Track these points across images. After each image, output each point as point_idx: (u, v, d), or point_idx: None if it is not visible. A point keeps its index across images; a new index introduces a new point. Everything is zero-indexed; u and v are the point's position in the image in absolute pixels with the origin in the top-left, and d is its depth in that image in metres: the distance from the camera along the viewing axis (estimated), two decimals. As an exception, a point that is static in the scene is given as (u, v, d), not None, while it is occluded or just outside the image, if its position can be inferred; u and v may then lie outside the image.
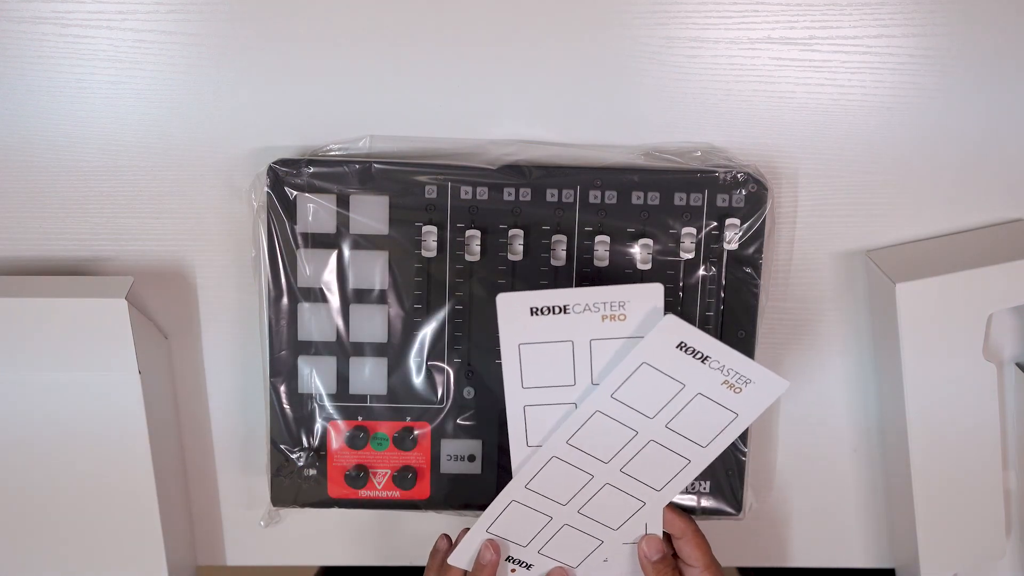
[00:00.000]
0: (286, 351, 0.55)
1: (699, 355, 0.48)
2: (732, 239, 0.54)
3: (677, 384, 0.49)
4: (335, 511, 0.60)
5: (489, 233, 0.54)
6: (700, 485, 0.57)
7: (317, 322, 0.55)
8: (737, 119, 0.55)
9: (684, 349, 0.47)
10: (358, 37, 0.53)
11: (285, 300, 0.54)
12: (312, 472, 0.56)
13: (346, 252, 0.54)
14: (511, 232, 0.54)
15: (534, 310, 0.48)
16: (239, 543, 0.62)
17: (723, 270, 0.54)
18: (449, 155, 0.54)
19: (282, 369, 0.55)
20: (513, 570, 0.54)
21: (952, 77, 0.54)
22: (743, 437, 0.56)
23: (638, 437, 0.50)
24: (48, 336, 0.52)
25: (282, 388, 0.55)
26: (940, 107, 0.54)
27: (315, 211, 0.53)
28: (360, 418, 0.56)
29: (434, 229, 0.54)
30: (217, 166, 0.55)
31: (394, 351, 0.55)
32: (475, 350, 0.55)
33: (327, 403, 0.56)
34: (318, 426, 0.56)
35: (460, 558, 0.53)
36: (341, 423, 0.56)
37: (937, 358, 0.54)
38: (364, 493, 0.57)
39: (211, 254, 0.57)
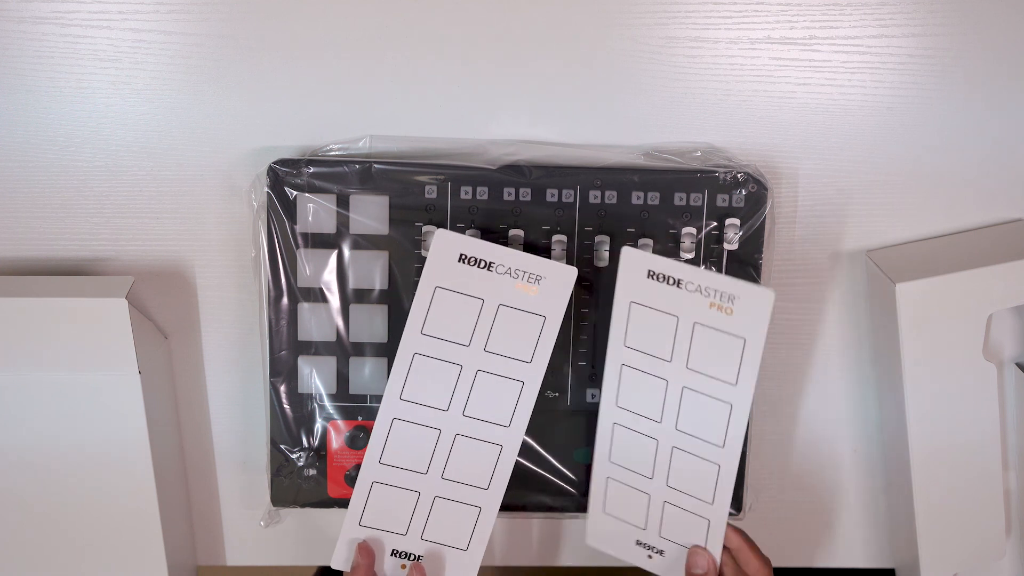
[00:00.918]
0: (286, 351, 0.55)
1: (672, 280, 0.49)
2: (732, 239, 0.54)
3: (671, 318, 0.49)
4: (335, 511, 0.60)
5: (489, 233, 0.54)
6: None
7: (317, 322, 0.55)
8: (737, 119, 0.55)
9: (654, 276, 0.49)
10: (358, 38, 0.53)
11: (285, 300, 0.54)
12: (312, 472, 0.56)
13: (346, 252, 0.54)
14: (511, 232, 0.54)
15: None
16: (239, 543, 0.62)
17: (723, 270, 0.54)
18: (449, 155, 0.54)
19: (282, 369, 0.55)
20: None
21: (952, 77, 0.54)
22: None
23: (671, 386, 0.51)
24: (48, 336, 0.52)
25: (282, 388, 0.55)
26: (940, 107, 0.54)
27: (315, 211, 0.53)
28: (360, 418, 0.56)
29: (434, 229, 0.54)
30: (217, 166, 0.55)
31: (394, 351, 0.55)
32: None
33: (327, 403, 0.56)
34: (318, 426, 0.56)
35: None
36: (341, 423, 0.56)
37: (937, 358, 0.54)
38: (364, 493, 0.57)
39: (211, 254, 0.57)
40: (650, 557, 0.54)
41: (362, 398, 0.56)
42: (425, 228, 0.54)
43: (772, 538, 0.63)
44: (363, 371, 0.55)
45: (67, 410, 0.53)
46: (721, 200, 0.54)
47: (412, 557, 0.52)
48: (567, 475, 0.56)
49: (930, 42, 0.53)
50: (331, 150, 0.54)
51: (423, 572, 0.51)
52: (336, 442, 0.56)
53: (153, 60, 0.53)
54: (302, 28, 0.52)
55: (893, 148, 0.55)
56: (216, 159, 0.55)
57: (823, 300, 0.58)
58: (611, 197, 0.54)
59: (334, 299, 0.54)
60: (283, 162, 0.53)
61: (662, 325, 0.50)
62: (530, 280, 0.50)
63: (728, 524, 0.52)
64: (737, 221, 0.54)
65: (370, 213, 0.54)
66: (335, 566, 0.52)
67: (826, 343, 0.59)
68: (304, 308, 0.55)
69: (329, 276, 0.54)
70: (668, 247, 0.54)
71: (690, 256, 0.54)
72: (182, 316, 0.58)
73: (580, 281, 0.54)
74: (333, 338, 0.55)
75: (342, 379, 0.55)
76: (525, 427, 0.52)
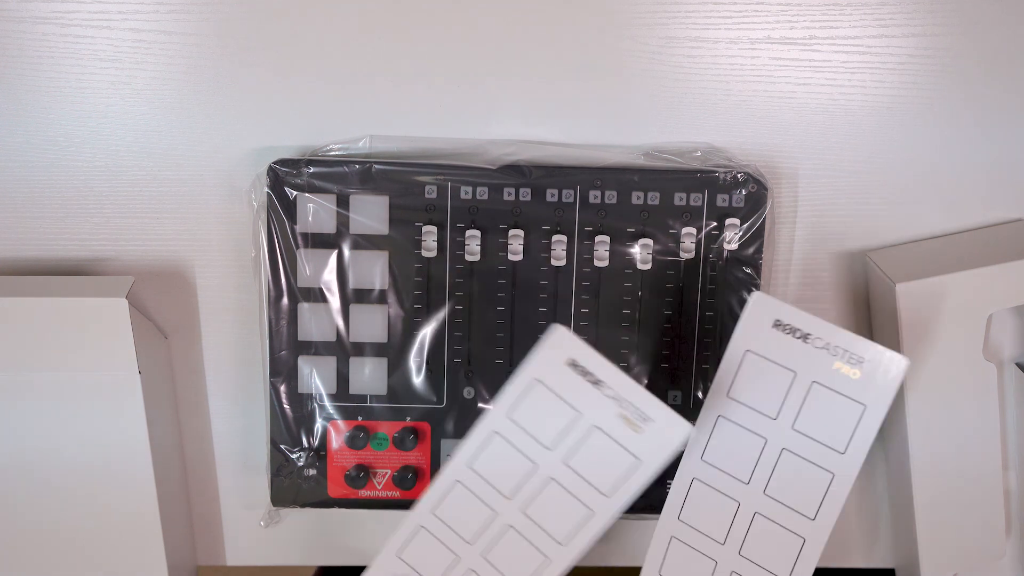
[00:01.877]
0: (286, 351, 0.55)
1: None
2: (732, 239, 0.54)
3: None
4: (335, 511, 0.60)
5: (489, 233, 0.54)
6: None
7: (317, 322, 0.55)
8: (737, 119, 0.55)
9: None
10: (358, 37, 0.53)
11: (285, 300, 0.54)
12: (312, 472, 0.56)
13: (346, 252, 0.54)
14: (511, 232, 0.54)
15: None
16: (239, 543, 0.62)
17: (723, 270, 0.54)
18: (449, 155, 0.54)
19: (282, 369, 0.55)
20: None
21: (952, 77, 0.54)
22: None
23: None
24: (48, 336, 0.52)
25: (282, 388, 0.55)
26: (940, 107, 0.54)
27: (315, 211, 0.53)
28: (360, 418, 0.56)
29: (434, 229, 0.54)
30: (217, 166, 0.55)
31: (394, 351, 0.55)
32: (475, 350, 0.55)
33: (327, 403, 0.56)
34: (318, 426, 0.56)
35: None
36: (341, 423, 0.56)
37: (937, 358, 0.54)
38: (364, 493, 0.57)
39: (211, 254, 0.57)
40: None
41: (362, 398, 0.56)
42: (426, 228, 0.54)
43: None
44: (363, 371, 0.55)
45: (67, 410, 0.53)
46: (721, 200, 0.54)
47: None
48: (567, 475, 0.56)
49: (930, 42, 0.53)
50: (331, 150, 0.54)
51: None
52: (336, 442, 0.56)
53: (153, 60, 0.53)
54: (302, 28, 0.52)
55: (893, 148, 0.55)
56: (216, 159, 0.55)
57: (823, 300, 0.58)
58: (611, 197, 0.54)
59: (334, 299, 0.54)
60: (283, 162, 0.53)
61: (776, 379, 0.47)
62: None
63: None
64: (737, 221, 0.54)
65: (370, 213, 0.54)
66: None
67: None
68: (304, 308, 0.55)
69: (329, 276, 0.54)
70: (668, 247, 0.54)
71: (690, 256, 0.54)
72: (182, 316, 0.58)
73: (580, 281, 0.55)
74: (333, 338, 0.55)
75: (342, 379, 0.55)
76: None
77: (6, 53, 0.52)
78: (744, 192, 0.53)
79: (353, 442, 0.56)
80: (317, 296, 0.54)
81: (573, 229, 0.54)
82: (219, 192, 0.55)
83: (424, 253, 0.54)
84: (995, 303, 0.54)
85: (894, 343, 0.54)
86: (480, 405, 0.56)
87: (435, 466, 0.56)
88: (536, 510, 0.48)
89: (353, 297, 0.55)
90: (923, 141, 0.55)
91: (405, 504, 0.57)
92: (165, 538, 0.56)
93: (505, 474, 0.48)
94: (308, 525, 0.61)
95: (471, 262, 0.54)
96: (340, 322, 0.55)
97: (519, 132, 0.55)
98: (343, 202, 0.53)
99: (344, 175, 0.53)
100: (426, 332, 0.55)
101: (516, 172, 0.53)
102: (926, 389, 0.55)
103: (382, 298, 0.55)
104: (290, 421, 0.56)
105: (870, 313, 0.58)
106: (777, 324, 0.46)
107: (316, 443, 0.56)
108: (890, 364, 0.45)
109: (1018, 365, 0.59)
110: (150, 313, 0.57)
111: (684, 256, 0.54)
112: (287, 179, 0.53)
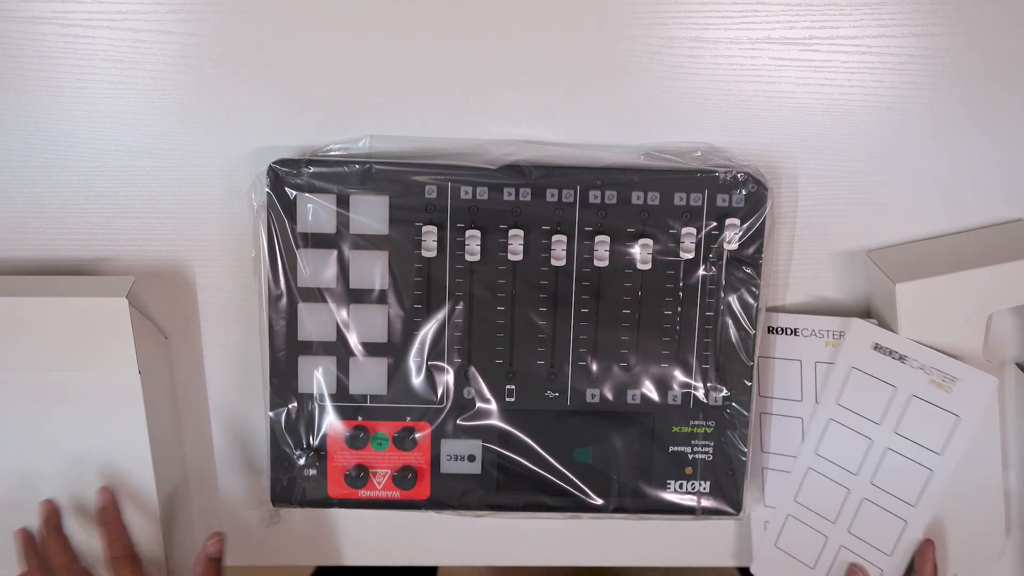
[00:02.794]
0: (286, 351, 0.55)
1: (896, 355, 0.53)
2: (732, 239, 0.54)
3: (888, 387, 0.53)
4: (335, 511, 0.60)
5: (489, 233, 0.54)
6: (700, 485, 0.57)
7: (317, 322, 0.55)
8: (737, 119, 0.55)
9: (880, 350, 0.53)
10: (358, 37, 0.53)
11: (285, 300, 0.54)
12: (312, 472, 0.56)
13: (346, 252, 0.54)
14: (511, 232, 0.54)
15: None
16: (239, 543, 0.62)
17: (723, 270, 0.54)
18: (449, 155, 0.54)
19: (282, 369, 0.55)
20: None
21: (952, 77, 0.54)
22: (743, 438, 0.56)
23: (875, 445, 0.55)
24: (48, 336, 0.52)
25: (282, 388, 0.55)
26: (940, 107, 0.54)
27: (315, 211, 0.53)
28: (360, 418, 0.56)
29: (434, 229, 0.54)
30: (217, 166, 0.55)
31: (394, 351, 0.55)
32: (475, 350, 0.55)
33: (327, 403, 0.56)
34: (318, 426, 0.56)
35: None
36: (341, 423, 0.56)
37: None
38: (364, 493, 0.57)
39: (211, 254, 0.56)
40: None
41: (362, 398, 0.56)
42: (426, 228, 0.53)
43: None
44: (363, 371, 0.55)
45: (67, 410, 0.53)
46: (721, 200, 0.54)
47: None
48: (567, 475, 0.56)
49: (930, 42, 0.53)
50: (331, 150, 0.54)
51: None
52: (336, 442, 0.56)
53: (153, 60, 0.53)
54: (302, 28, 0.52)
55: (893, 148, 0.55)
56: (216, 159, 0.55)
57: (823, 300, 0.58)
58: (611, 197, 0.54)
59: (334, 299, 0.54)
60: (283, 162, 0.53)
61: (879, 392, 0.54)
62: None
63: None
64: (737, 221, 0.54)
65: (370, 213, 0.54)
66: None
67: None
68: (304, 308, 0.55)
69: (329, 276, 0.54)
70: (668, 247, 0.54)
71: (690, 256, 0.54)
72: (182, 316, 0.58)
73: (580, 281, 0.55)
74: (333, 338, 0.55)
75: (342, 379, 0.55)
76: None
77: (6, 53, 0.52)
78: (744, 192, 0.53)
79: (353, 442, 0.56)
80: (317, 296, 0.54)
81: (573, 229, 0.54)
82: (219, 192, 0.55)
83: (424, 253, 0.54)
84: (995, 303, 0.54)
85: (894, 343, 0.54)
86: (480, 405, 0.56)
87: (435, 466, 0.57)
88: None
89: (353, 297, 0.55)
90: (923, 141, 0.55)
91: (405, 504, 0.57)
92: (165, 538, 0.56)
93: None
94: (308, 525, 0.61)
95: (471, 262, 0.54)
96: (340, 322, 0.55)
97: (519, 132, 0.55)
98: (343, 202, 0.53)
99: (344, 175, 0.53)
100: (426, 332, 0.55)
101: (516, 172, 0.53)
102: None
103: (382, 298, 0.55)
104: (290, 421, 0.56)
105: (870, 313, 0.58)
106: (877, 347, 0.54)
107: (316, 443, 0.56)
108: (981, 383, 0.52)
109: (1018, 365, 0.59)
110: (150, 313, 0.57)
111: (684, 256, 0.54)
112: (287, 179, 0.53)
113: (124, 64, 0.53)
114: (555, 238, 0.54)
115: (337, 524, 0.61)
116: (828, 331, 0.56)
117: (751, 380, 0.56)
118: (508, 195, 0.53)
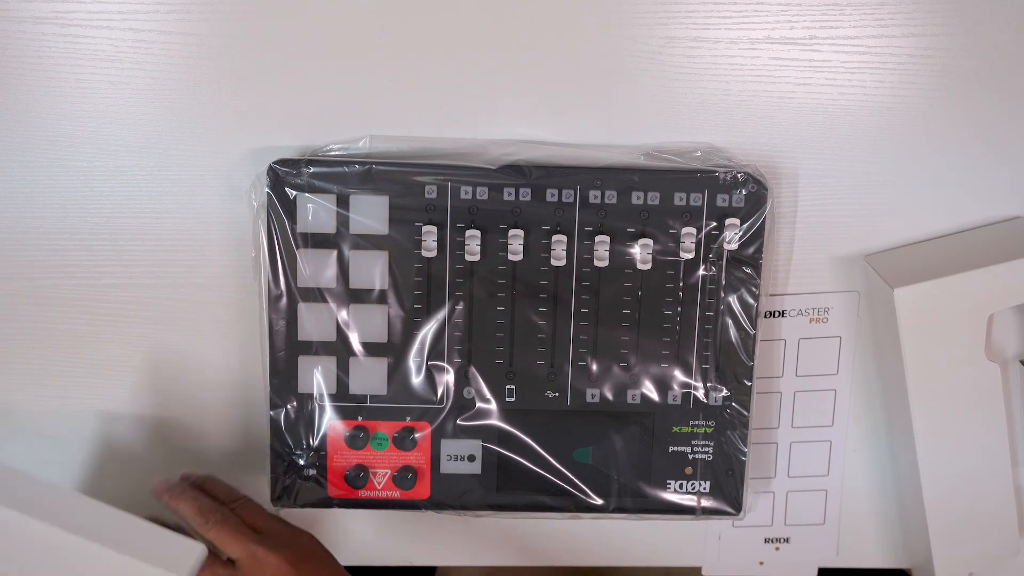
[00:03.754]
0: (286, 351, 0.55)
1: (778, 313, 0.57)
2: (732, 239, 0.54)
3: (779, 342, 0.58)
4: (335, 511, 0.60)
5: (489, 233, 0.54)
6: (700, 485, 0.57)
7: (317, 322, 0.55)
8: (737, 119, 0.55)
9: (769, 316, 0.56)
10: (358, 37, 0.53)
11: (285, 300, 0.54)
12: (312, 472, 0.56)
13: (346, 252, 0.54)
14: (511, 232, 0.54)
15: (768, 313, 0.57)
16: (239, 543, 0.62)
17: (723, 270, 0.54)
18: (449, 155, 0.54)
19: (282, 369, 0.55)
20: (777, 548, 0.62)
21: (952, 77, 0.54)
22: (743, 438, 0.56)
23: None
24: None
25: (282, 388, 0.55)
26: (940, 107, 0.54)
27: (315, 211, 0.53)
28: (360, 418, 0.56)
29: (434, 229, 0.54)
30: (217, 166, 0.55)
31: (394, 351, 0.55)
32: (475, 350, 0.55)
33: (327, 403, 0.56)
34: (318, 426, 0.56)
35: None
36: (341, 423, 0.56)
37: (939, 359, 0.54)
38: (364, 493, 0.57)
39: (211, 254, 0.56)
40: None
41: (362, 398, 0.56)
42: (426, 228, 0.53)
43: (772, 538, 0.63)
44: (363, 371, 0.55)
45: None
46: (721, 200, 0.54)
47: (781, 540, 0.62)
48: (567, 475, 0.56)
49: (930, 42, 0.53)
50: (331, 150, 0.54)
51: None
52: (336, 442, 0.56)
53: (153, 60, 0.53)
54: (302, 28, 0.52)
55: (893, 148, 0.55)
56: (216, 159, 0.55)
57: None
58: (611, 197, 0.54)
59: (334, 299, 0.54)
60: (283, 162, 0.53)
61: (775, 350, 0.58)
62: (819, 313, 0.58)
63: None
64: (737, 221, 0.54)
65: (370, 213, 0.54)
66: None
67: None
68: (304, 308, 0.55)
69: (329, 276, 0.54)
70: (668, 247, 0.54)
71: (690, 256, 0.54)
72: (182, 316, 0.58)
73: (580, 281, 0.55)
74: (333, 338, 0.55)
75: (342, 379, 0.55)
76: (847, 427, 0.60)
77: (6, 53, 0.52)
78: (744, 192, 0.53)
79: (353, 442, 0.56)
80: (317, 296, 0.54)
81: (573, 229, 0.54)
82: (219, 192, 0.55)
83: (424, 253, 0.54)
84: (996, 303, 0.54)
85: (894, 345, 0.54)
86: (480, 405, 0.56)
87: (435, 466, 0.56)
88: (800, 418, 0.59)
89: (353, 297, 0.55)
90: (923, 141, 0.55)
91: (405, 504, 0.57)
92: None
93: (767, 415, 0.58)
94: (308, 525, 0.61)
95: (471, 262, 0.54)
96: (340, 322, 0.55)
97: (519, 132, 0.55)
98: (343, 202, 0.53)
99: (344, 175, 0.53)
100: (426, 332, 0.55)
101: (516, 172, 0.53)
102: (930, 390, 0.55)
103: (382, 298, 0.55)
104: (290, 421, 0.56)
105: (871, 314, 0.58)
106: (767, 314, 0.56)
107: (316, 443, 0.56)
108: (847, 301, 0.57)
109: (1022, 363, 0.59)
110: (150, 314, 0.57)
111: (684, 256, 0.54)
112: (287, 179, 0.53)
113: (124, 64, 0.53)
114: (555, 238, 0.54)
115: (337, 524, 0.61)
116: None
117: (751, 380, 0.56)
118: (508, 195, 0.53)
